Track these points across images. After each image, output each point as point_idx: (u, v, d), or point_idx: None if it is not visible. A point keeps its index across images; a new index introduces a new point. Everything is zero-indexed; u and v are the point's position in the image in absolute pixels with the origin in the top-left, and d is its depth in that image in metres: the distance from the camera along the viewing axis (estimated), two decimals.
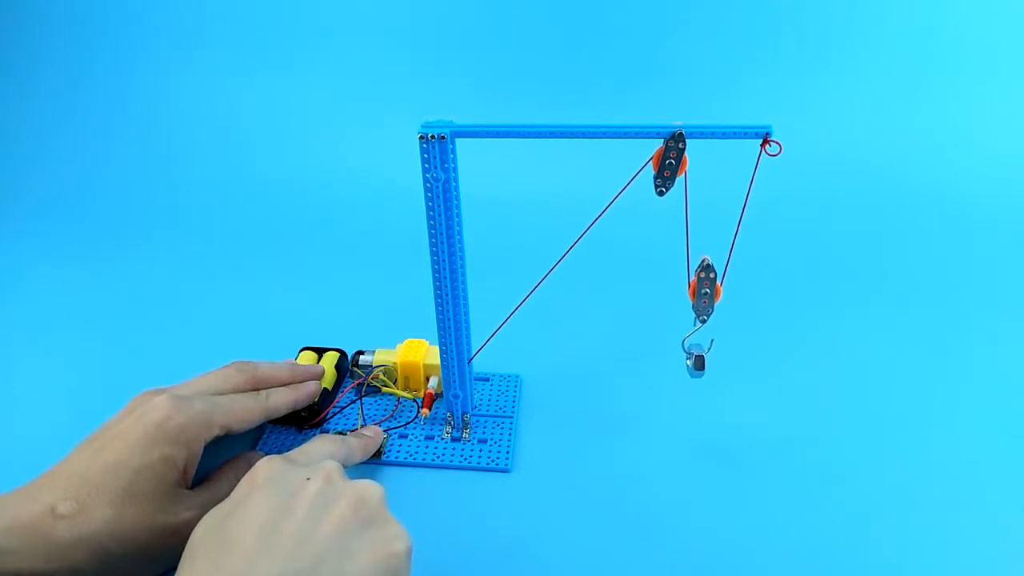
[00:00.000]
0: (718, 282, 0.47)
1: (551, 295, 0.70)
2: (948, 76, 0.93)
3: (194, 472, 0.43)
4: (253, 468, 0.37)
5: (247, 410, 0.47)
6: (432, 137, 0.43)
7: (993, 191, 0.90)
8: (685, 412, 0.56)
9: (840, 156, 0.92)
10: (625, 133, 0.42)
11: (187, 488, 0.43)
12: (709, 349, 0.50)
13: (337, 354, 0.59)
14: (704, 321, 0.48)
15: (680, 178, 0.43)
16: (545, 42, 0.94)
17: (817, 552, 0.45)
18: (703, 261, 0.46)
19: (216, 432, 0.44)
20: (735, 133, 0.41)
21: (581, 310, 0.71)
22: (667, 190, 0.43)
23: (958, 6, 0.91)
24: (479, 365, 0.60)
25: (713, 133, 0.42)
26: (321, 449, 0.44)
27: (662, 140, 0.42)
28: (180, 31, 0.99)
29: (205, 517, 0.35)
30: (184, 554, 0.33)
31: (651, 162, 0.43)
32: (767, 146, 0.41)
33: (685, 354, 0.50)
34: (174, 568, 0.37)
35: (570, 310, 0.71)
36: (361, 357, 0.58)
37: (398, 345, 0.58)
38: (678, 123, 0.42)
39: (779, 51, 0.93)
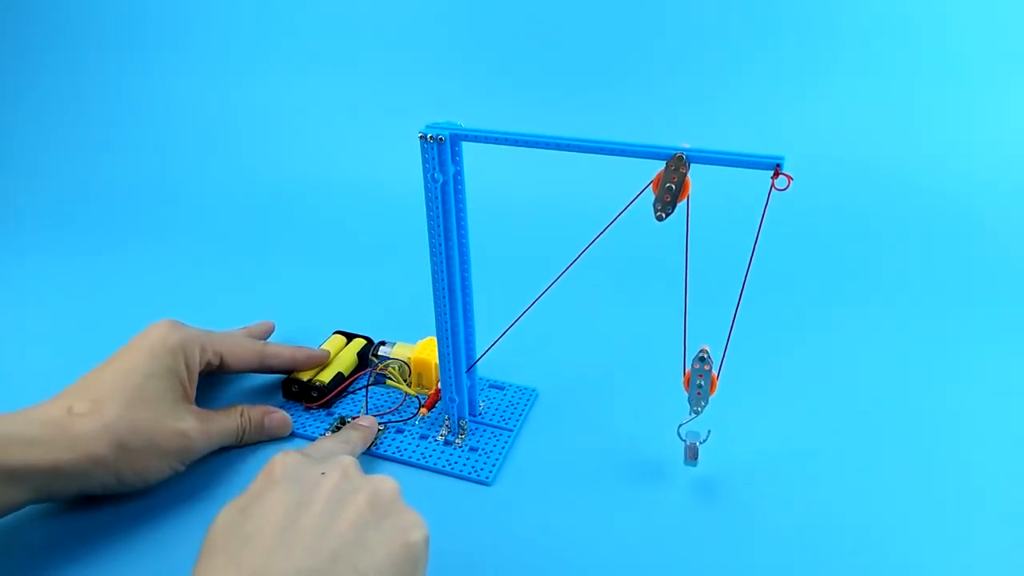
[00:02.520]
0: (714, 372, 0.45)
1: (581, 310, 0.68)
2: (953, 88, 0.90)
3: (194, 392, 0.49)
4: (270, 462, 0.39)
5: (242, 346, 0.53)
6: (431, 138, 0.43)
7: (1001, 202, 0.85)
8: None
9: (845, 171, 0.89)
10: (623, 151, 0.39)
11: (189, 403, 0.48)
12: (705, 440, 0.48)
13: (364, 341, 0.61)
14: (698, 413, 0.46)
15: (682, 204, 0.40)
16: (567, 48, 0.94)
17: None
18: (700, 352, 0.44)
19: (210, 357, 0.50)
20: (743, 162, 0.38)
21: (614, 330, 0.67)
22: (667, 215, 0.40)
23: (964, 16, 0.88)
24: (498, 372, 0.59)
25: (719, 159, 0.38)
26: (332, 447, 0.46)
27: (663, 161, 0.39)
28: (179, 30, 1.02)
29: (223, 510, 0.36)
30: (203, 546, 0.34)
31: (651, 186, 0.40)
32: (776, 178, 0.37)
33: (681, 441, 0.49)
34: (182, 464, 0.47)
35: (602, 329, 0.67)
36: (381, 348, 0.59)
37: (419, 341, 0.59)
38: (685, 145, 0.39)
39: (791, 61, 0.92)
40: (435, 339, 0.58)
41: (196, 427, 0.47)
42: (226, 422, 0.50)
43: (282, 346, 0.56)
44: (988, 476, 0.50)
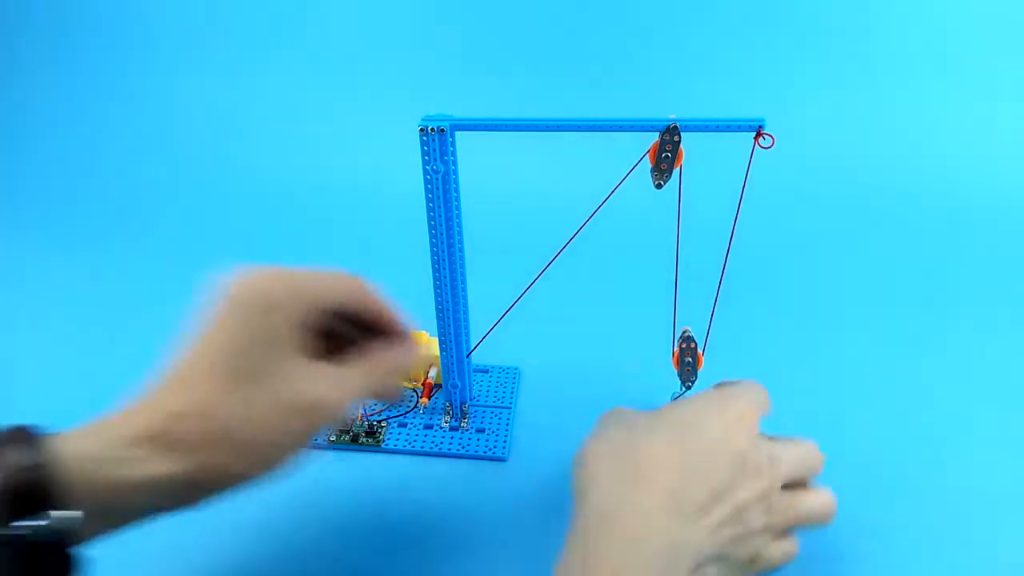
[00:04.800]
0: (700, 351, 0.49)
1: (551, 288, 0.71)
2: (941, 72, 0.93)
3: (309, 341, 0.38)
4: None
5: (344, 287, 0.42)
6: (432, 130, 0.44)
7: (989, 187, 0.90)
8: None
9: (837, 151, 0.93)
10: (620, 126, 0.43)
11: (311, 359, 0.37)
12: None
13: None
14: (689, 387, 0.51)
15: (676, 171, 0.44)
16: (549, 39, 0.95)
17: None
18: (684, 332, 0.49)
19: (308, 302, 0.38)
20: (728, 126, 0.42)
21: (580, 303, 0.72)
22: (664, 183, 0.44)
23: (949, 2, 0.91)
24: (478, 357, 0.61)
25: (706, 126, 0.42)
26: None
27: (658, 133, 0.43)
28: (168, 31, 0.99)
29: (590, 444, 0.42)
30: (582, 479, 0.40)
31: (648, 155, 0.44)
32: (760, 139, 0.42)
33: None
34: (311, 440, 0.37)
35: (569, 303, 0.71)
36: None
37: None
38: (672, 116, 0.43)
39: (778, 48, 0.94)
40: (415, 332, 0.59)
41: (329, 394, 0.37)
42: (360, 378, 0.39)
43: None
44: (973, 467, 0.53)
